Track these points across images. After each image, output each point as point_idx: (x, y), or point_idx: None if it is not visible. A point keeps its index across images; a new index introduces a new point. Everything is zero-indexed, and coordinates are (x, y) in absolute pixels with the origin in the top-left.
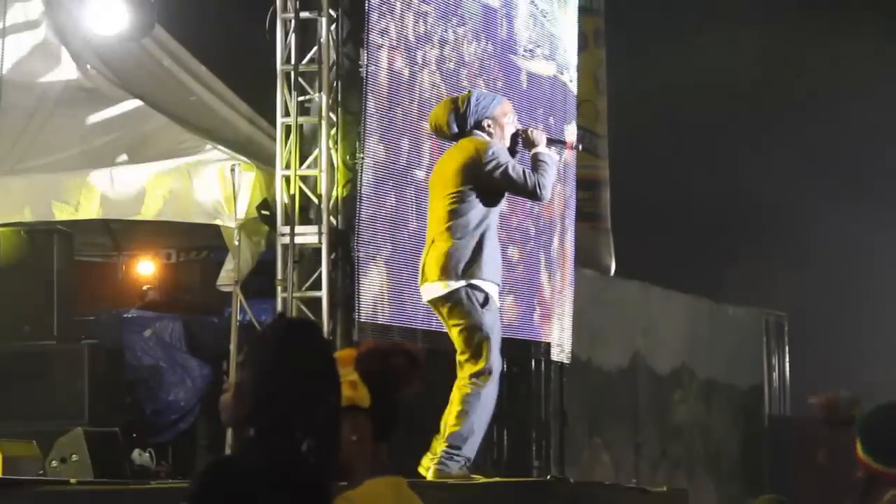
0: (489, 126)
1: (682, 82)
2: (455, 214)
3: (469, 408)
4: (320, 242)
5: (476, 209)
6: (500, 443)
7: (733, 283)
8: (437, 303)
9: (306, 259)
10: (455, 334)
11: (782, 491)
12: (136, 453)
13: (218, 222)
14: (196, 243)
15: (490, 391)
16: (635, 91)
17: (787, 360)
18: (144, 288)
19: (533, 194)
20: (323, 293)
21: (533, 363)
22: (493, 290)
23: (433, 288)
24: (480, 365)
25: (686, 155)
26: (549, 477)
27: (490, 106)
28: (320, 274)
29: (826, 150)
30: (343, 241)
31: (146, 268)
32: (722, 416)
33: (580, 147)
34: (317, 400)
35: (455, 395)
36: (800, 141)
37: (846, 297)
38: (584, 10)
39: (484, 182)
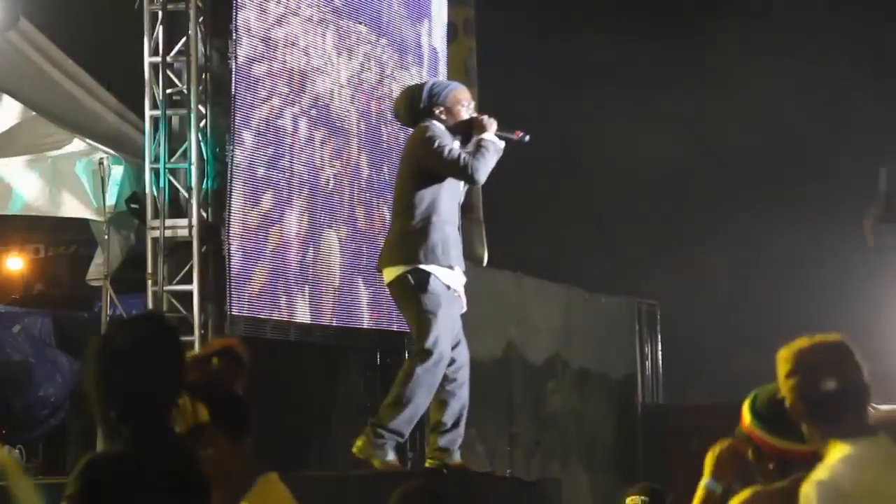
0: (440, 113)
1: (551, 72)
2: (402, 200)
3: (402, 385)
4: (191, 236)
5: (421, 194)
6: None
7: (605, 272)
8: (389, 288)
9: (177, 252)
10: (405, 318)
11: (656, 479)
12: (5, 449)
13: (87, 216)
14: (65, 238)
15: (427, 370)
16: (506, 81)
17: (659, 348)
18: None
19: (466, 176)
20: (194, 287)
21: (406, 354)
22: (442, 272)
23: (385, 274)
24: (418, 346)
25: (556, 144)
26: (429, 467)
27: (442, 94)
28: (191, 267)
29: (697, 137)
30: (214, 234)
31: (14, 263)
32: (596, 405)
33: (527, 139)
34: (175, 386)
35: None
36: (669, 128)
37: (718, 284)
38: (453, 1)
39: (424, 166)
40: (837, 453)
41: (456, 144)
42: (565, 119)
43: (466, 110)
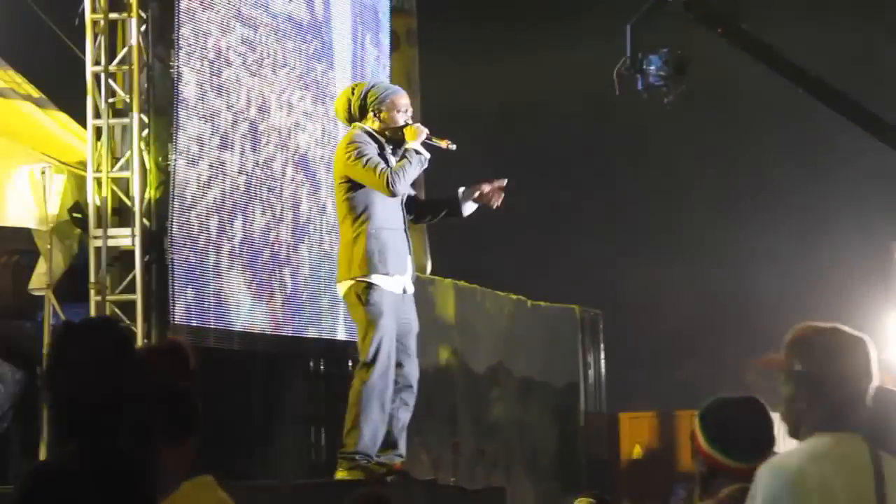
0: (374, 116)
1: (492, 82)
2: (339, 210)
3: (354, 407)
4: (134, 245)
5: (353, 202)
6: (317, 444)
7: (548, 280)
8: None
9: (120, 262)
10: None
11: (598, 488)
12: None
13: (29, 225)
14: (7, 247)
15: (373, 385)
16: (446, 91)
17: (602, 356)
18: None
19: (383, 188)
20: (137, 296)
21: (350, 363)
22: (381, 280)
23: (339, 289)
24: (361, 359)
25: (494, 153)
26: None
27: (380, 96)
28: (134, 277)
29: (633, 144)
30: (157, 243)
31: None
32: (539, 414)
33: (454, 147)
34: (121, 395)
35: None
36: (606, 138)
37: (660, 292)
38: (396, 10)
39: (348, 173)
40: (808, 441)
41: (389, 150)
42: (507, 121)
43: (403, 116)
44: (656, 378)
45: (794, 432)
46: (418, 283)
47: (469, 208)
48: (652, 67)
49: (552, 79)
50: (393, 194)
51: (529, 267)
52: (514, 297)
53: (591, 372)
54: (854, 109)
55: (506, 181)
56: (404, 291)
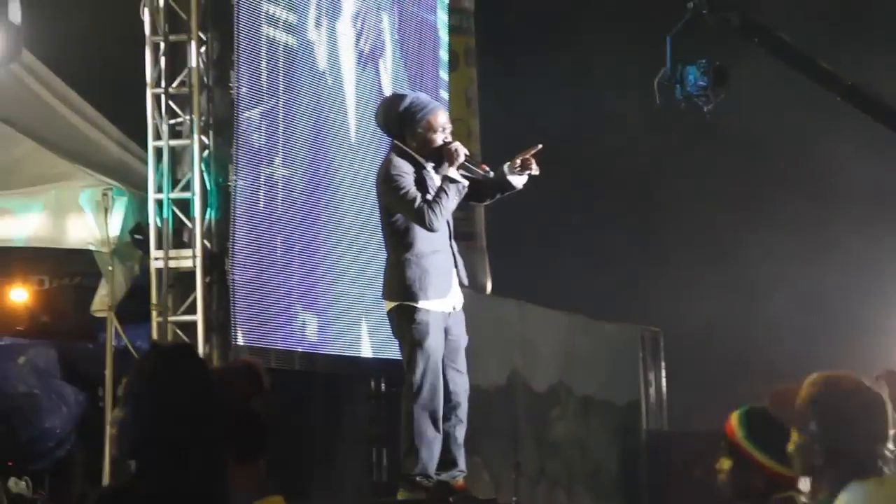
0: (412, 137)
1: (554, 103)
2: (384, 233)
3: (407, 430)
4: (195, 266)
5: (395, 227)
6: (378, 465)
7: (608, 298)
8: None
9: (181, 283)
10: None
11: None
12: (12, 482)
13: (91, 247)
14: (69, 269)
15: (424, 406)
16: (507, 111)
17: (663, 375)
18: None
19: (421, 223)
20: (198, 317)
21: None
22: (429, 304)
23: (385, 306)
24: (408, 381)
25: (557, 173)
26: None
27: (419, 115)
28: (195, 298)
29: (699, 161)
30: (218, 264)
31: (19, 294)
32: (600, 433)
33: (491, 174)
34: (199, 425)
35: None
36: (672, 157)
37: (720, 311)
38: (454, 30)
39: (387, 203)
40: (847, 494)
41: (429, 167)
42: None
43: (441, 135)
44: (717, 395)
45: (804, 473)
46: (479, 301)
47: (520, 181)
48: (690, 78)
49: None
50: (431, 230)
51: (590, 286)
52: (575, 315)
53: (652, 390)
54: (892, 117)
55: (540, 146)
56: (453, 309)
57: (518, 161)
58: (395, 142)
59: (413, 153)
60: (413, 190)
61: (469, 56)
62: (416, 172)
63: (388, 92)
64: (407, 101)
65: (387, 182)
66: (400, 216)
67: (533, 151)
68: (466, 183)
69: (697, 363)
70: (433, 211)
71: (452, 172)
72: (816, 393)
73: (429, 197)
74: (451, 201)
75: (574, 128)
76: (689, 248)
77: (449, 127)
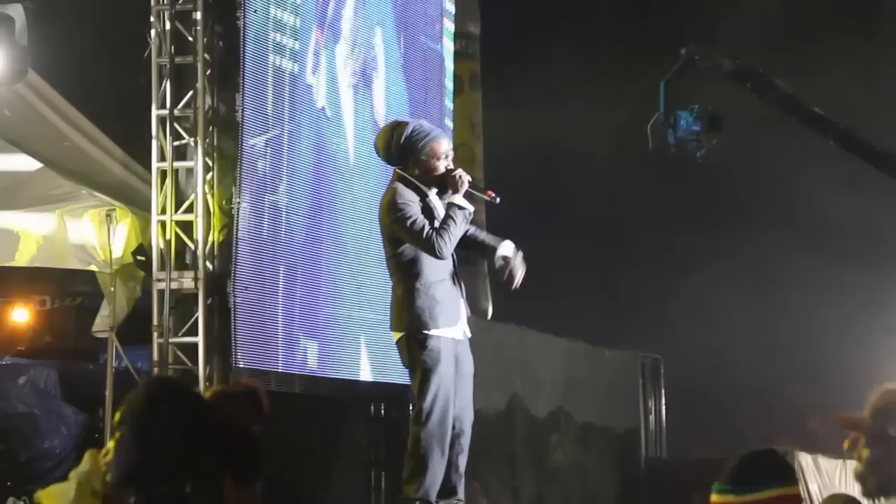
0: (415, 164)
1: (559, 128)
2: (392, 263)
3: (412, 455)
4: (196, 288)
5: (400, 256)
6: (377, 488)
7: (608, 325)
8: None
9: (182, 304)
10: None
11: None
12: (10, 501)
13: (93, 268)
14: (71, 289)
15: (432, 432)
16: (512, 136)
17: (663, 402)
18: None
19: (429, 251)
20: (199, 339)
21: (411, 407)
22: (438, 332)
23: (392, 336)
24: (418, 406)
25: (560, 199)
26: None
27: (421, 142)
28: (196, 319)
29: (695, 193)
30: (219, 286)
31: (20, 314)
32: (599, 459)
33: (497, 200)
34: (195, 451)
35: None
36: (672, 189)
37: (720, 338)
38: (459, 55)
39: (392, 233)
40: None
41: (433, 194)
42: (568, 172)
43: (443, 163)
44: (717, 423)
45: (875, 493)
46: (480, 326)
47: (497, 263)
48: (682, 123)
49: (613, 122)
50: (440, 258)
51: (590, 313)
52: (575, 341)
53: (651, 417)
54: (883, 159)
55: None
56: (463, 335)
57: (507, 272)
58: (398, 170)
59: (416, 181)
60: (421, 218)
61: (474, 81)
62: (420, 200)
63: (381, 117)
64: (409, 129)
65: (392, 211)
66: (406, 246)
67: (521, 273)
68: (472, 209)
69: (698, 390)
70: (442, 238)
71: (458, 199)
72: (890, 401)
73: (436, 224)
74: (459, 228)
75: (582, 156)
76: (691, 276)
77: (451, 154)
